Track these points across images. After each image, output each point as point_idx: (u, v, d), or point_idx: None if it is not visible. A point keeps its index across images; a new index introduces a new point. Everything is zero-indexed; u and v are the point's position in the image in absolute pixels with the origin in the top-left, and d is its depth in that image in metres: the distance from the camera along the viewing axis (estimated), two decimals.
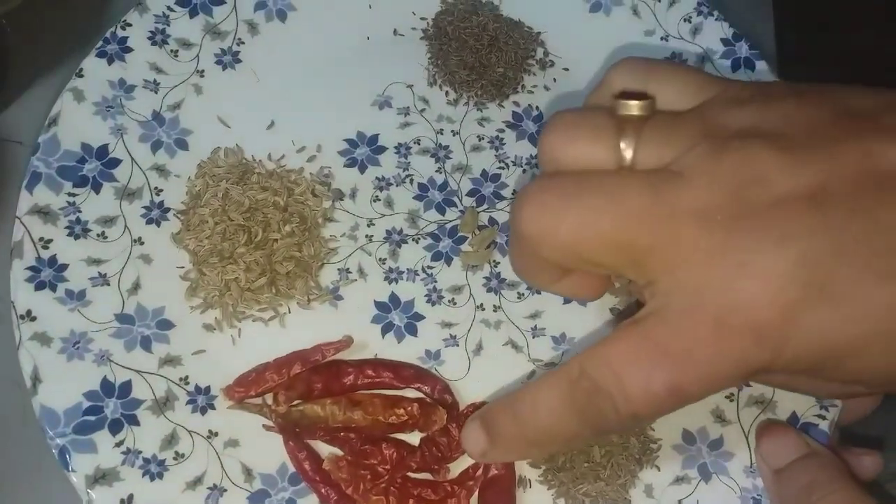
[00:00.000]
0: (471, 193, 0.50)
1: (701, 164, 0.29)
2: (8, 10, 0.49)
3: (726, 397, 0.45)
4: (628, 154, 0.31)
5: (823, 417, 0.43)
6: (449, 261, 0.48)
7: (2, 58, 0.50)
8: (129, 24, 0.49)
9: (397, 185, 0.50)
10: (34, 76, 0.48)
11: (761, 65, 0.52)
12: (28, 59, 0.51)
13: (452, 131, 0.51)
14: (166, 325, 0.45)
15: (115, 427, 0.42)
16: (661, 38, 0.53)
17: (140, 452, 0.41)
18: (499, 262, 0.48)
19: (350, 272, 0.47)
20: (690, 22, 0.53)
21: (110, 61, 0.48)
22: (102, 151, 0.47)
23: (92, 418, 0.42)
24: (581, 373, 0.31)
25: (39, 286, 0.43)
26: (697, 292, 0.29)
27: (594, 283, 0.38)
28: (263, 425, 0.43)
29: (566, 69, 0.53)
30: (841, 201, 0.28)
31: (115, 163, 0.47)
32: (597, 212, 0.30)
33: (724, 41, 0.53)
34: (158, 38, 0.50)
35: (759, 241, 0.28)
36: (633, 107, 0.32)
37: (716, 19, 0.53)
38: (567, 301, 0.48)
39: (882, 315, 0.27)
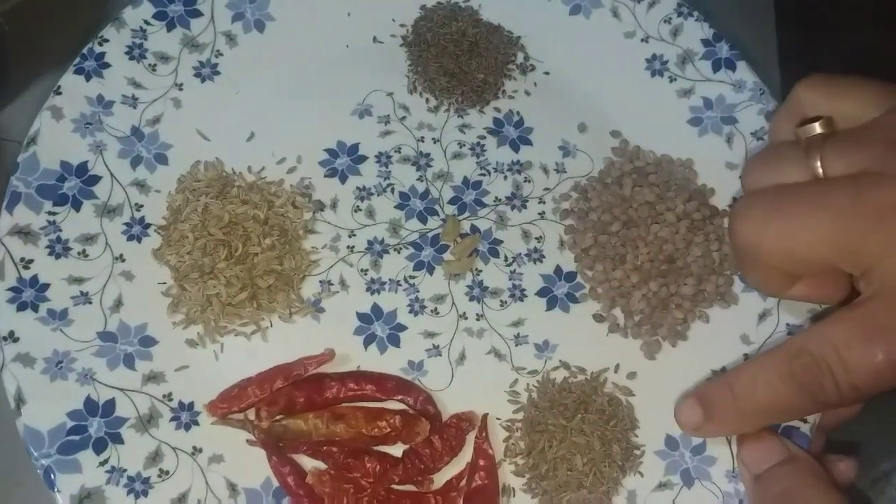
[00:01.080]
0: (452, 201, 0.50)
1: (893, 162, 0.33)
2: (8, 9, 0.49)
3: None
4: (817, 166, 0.35)
5: (805, 420, 0.43)
6: (431, 270, 0.48)
7: (2, 58, 0.50)
8: (107, 40, 0.49)
9: (378, 195, 0.50)
10: (34, 76, 0.48)
11: (742, 65, 0.52)
12: (28, 59, 0.51)
13: (433, 139, 0.51)
14: (149, 341, 0.45)
15: (100, 446, 0.42)
16: (642, 40, 0.53)
17: (125, 471, 0.42)
18: (481, 270, 0.48)
19: (332, 284, 0.48)
20: (670, 23, 0.53)
21: (88, 78, 0.48)
22: (82, 169, 0.47)
23: (76, 438, 0.42)
24: (800, 350, 0.34)
25: (21, 307, 0.44)
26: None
27: (829, 284, 0.39)
28: (247, 440, 0.43)
29: (547, 73, 0.53)
30: None
31: (95, 180, 0.47)
32: (802, 216, 0.34)
33: (705, 42, 0.52)
34: (136, 52, 0.50)
35: None
36: (815, 127, 0.36)
37: (696, 20, 0.53)
38: (550, 308, 0.48)
39: None
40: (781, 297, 0.41)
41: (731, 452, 0.44)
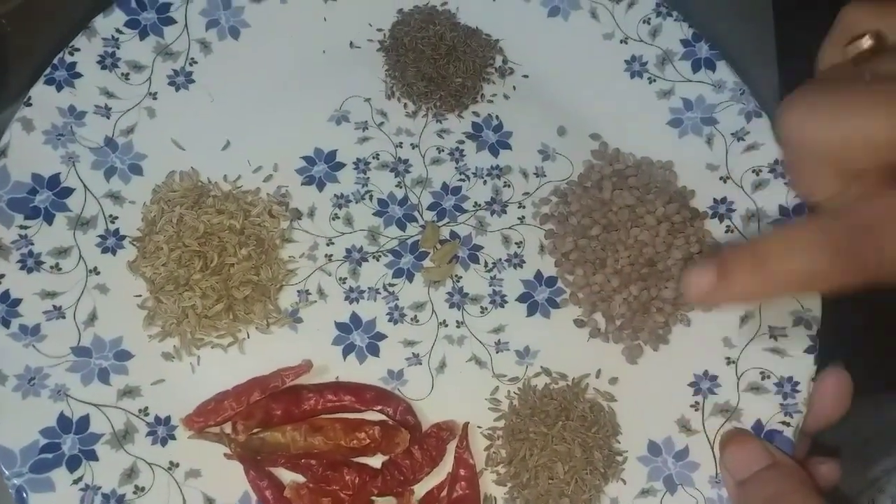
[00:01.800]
0: (431, 207, 0.49)
1: None
2: (8, 9, 0.48)
3: (691, 406, 0.45)
4: (867, 76, 0.33)
5: (788, 424, 0.43)
6: (411, 277, 0.48)
7: (2, 58, 0.49)
8: (78, 49, 0.48)
9: (356, 202, 0.49)
10: (34, 76, 0.48)
11: (721, 65, 0.51)
12: (28, 59, 0.50)
13: (412, 144, 0.51)
14: (124, 355, 0.45)
15: (74, 464, 0.41)
16: (621, 41, 0.53)
17: (99, 488, 0.41)
18: (461, 277, 0.48)
19: (310, 293, 0.47)
20: (649, 24, 0.52)
21: (59, 88, 0.48)
22: (54, 181, 0.47)
23: (49, 456, 0.41)
24: (848, 213, 0.31)
25: None
26: None
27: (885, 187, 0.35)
28: (224, 454, 0.43)
29: (526, 76, 0.53)
30: None
31: (68, 192, 0.47)
32: (860, 104, 0.31)
33: (684, 42, 0.52)
34: (108, 61, 0.49)
35: None
36: (864, 41, 0.34)
37: (675, 20, 0.52)
38: (530, 314, 0.47)
39: None
40: (833, 204, 0.35)
41: (715, 458, 0.43)
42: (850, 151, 0.32)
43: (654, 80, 0.52)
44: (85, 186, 0.47)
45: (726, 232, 0.48)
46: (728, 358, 0.45)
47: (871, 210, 0.31)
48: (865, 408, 0.44)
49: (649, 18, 0.52)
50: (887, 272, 0.31)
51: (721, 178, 0.49)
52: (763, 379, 0.44)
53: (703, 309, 0.46)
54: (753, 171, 0.49)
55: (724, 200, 0.49)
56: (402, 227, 0.49)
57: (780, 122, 0.34)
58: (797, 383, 0.44)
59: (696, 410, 0.45)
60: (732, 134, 0.50)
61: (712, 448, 0.43)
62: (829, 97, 0.33)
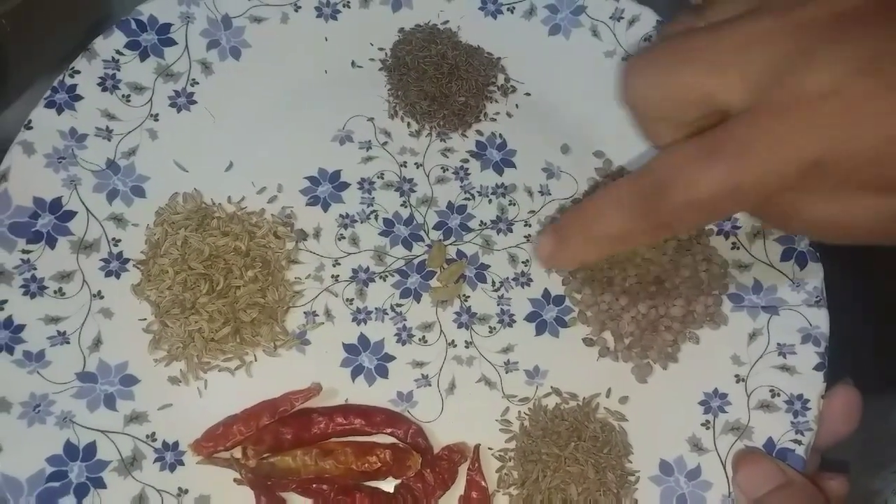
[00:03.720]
0: (437, 227, 0.49)
1: (770, 1, 0.32)
2: (8, 9, 0.48)
3: (702, 425, 0.45)
4: (701, 21, 0.35)
5: (799, 443, 0.43)
6: (418, 297, 0.48)
7: (2, 58, 0.49)
8: (78, 72, 0.48)
9: (362, 222, 0.49)
10: (34, 76, 0.47)
11: None
12: (28, 59, 0.50)
13: (416, 163, 0.51)
14: (130, 380, 0.44)
15: (81, 492, 0.41)
16: (623, 59, 0.53)
17: None
18: (468, 296, 0.48)
19: (317, 315, 0.47)
20: (650, 41, 0.52)
21: (60, 111, 0.47)
22: (56, 205, 0.46)
23: (56, 484, 0.40)
24: (644, 171, 0.33)
25: None
26: (757, 96, 0.30)
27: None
28: (234, 480, 0.42)
29: (528, 94, 0.53)
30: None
31: (70, 215, 0.46)
32: (670, 63, 0.33)
33: None
34: (109, 83, 0.49)
35: (820, 42, 0.30)
36: None
37: None
38: (539, 333, 0.47)
39: None
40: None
41: (727, 477, 0.43)
42: (671, 109, 0.34)
43: None
44: (87, 209, 0.47)
45: (732, 249, 0.48)
46: (737, 376, 0.45)
47: (659, 167, 0.32)
48: (876, 410, 0.44)
49: (650, 36, 0.53)
50: (683, 225, 0.33)
51: None
52: (773, 396, 0.45)
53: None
54: None
55: (729, 218, 0.49)
56: (409, 247, 0.49)
57: (619, 84, 0.35)
58: (807, 401, 0.44)
59: (707, 429, 0.45)
60: None
61: (724, 467, 0.43)
62: (655, 57, 0.34)
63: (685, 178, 0.31)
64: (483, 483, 0.43)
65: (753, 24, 0.32)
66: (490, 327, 0.47)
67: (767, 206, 0.33)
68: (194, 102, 0.50)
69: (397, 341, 0.46)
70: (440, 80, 0.51)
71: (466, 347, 0.47)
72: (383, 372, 0.46)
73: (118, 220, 0.47)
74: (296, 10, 0.52)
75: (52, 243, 0.45)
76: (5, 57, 0.49)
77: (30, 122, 0.46)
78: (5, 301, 0.43)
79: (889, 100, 0.29)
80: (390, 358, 0.46)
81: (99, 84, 0.48)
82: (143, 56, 0.50)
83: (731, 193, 0.31)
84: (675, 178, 0.32)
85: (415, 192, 0.50)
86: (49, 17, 0.51)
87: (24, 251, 0.45)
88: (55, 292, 0.44)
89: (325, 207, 0.49)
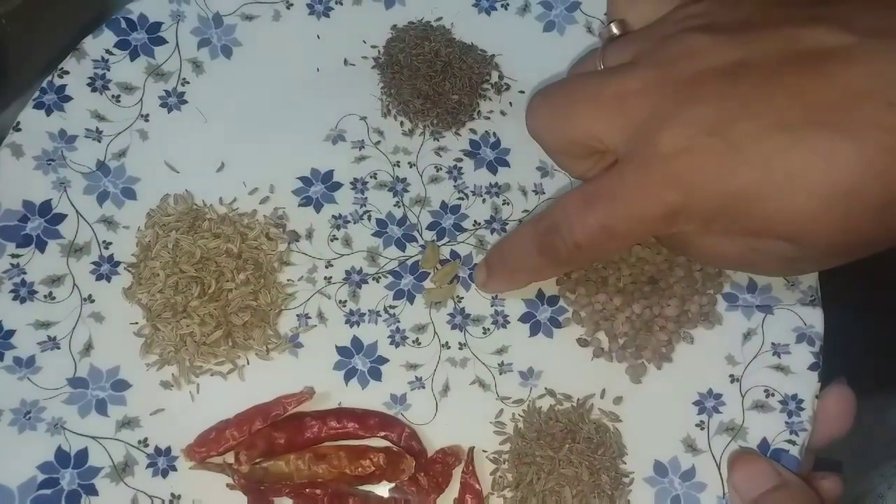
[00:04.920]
0: (431, 227, 0.49)
1: (650, 53, 0.36)
2: (8, 9, 0.47)
3: (696, 425, 0.45)
4: (599, 63, 0.40)
5: (793, 443, 0.43)
6: (412, 298, 0.47)
7: (2, 58, 0.48)
8: (67, 72, 0.47)
9: (355, 223, 0.49)
10: (34, 76, 0.47)
11: None
12: (28, 60, 0.49)
13: (409, 163, 0.50)
14: (122, 385, 0.44)
15: (73, 499, 0.41)
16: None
17: None
18: (462, 297, 0.48)
19: (309, 317, 0.46)
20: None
21: (48, 112, 0.47)
22: (45, 207, 0.46)
23: (48, 492, 0.40)
24: (543, 215, 0.38)
25: None
26: (629, 147, 0.35)
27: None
28: (227, 485, 0.42)
29: (522, 92, 0.52)
30: (756, 72, 0.33)
31: (60, 218, 0.46)
32: (563, 107, 0.39)
33: None
34: (98, 83, 0.48)
35: (678, 102, 0.34)
36: (610, 28, 0.42)
37: None
38: (533, 334, 0.47)
39: (778, 159, 0.31)
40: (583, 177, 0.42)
41: (722, 477, 0.43)
42: (565, 145, 0.39)
43: None
44: (77, 212, 0.46)
45: None
46: (732, 376, 0.45)
47: (552, 213, 0.38)
48: (869, 410, 0.44)
49: None
50: (576, 262, 0.40)
51: None
52: (767, 397, 0.44)
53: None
54: None
55: None
56: (402, 248, 0.48)
57: (526, 121, 0.42)
58: (801, 401, 0.44)
59: (701, 430, 0.45)
60: None
61: (719, 468, 0.43)
62: (551, 97, 0.40)
63: (568, 223, 0.37)
64: (477, 486, 0.43)
65: (633, 75, 0.36)
66: (484, 328, 0.47)
67: (663, 241, 0.39)
68: (185, 102, 0.50)
69: (391, 343, 0.46)
70: (433, 78, 0.51)
71: (460, 349, 0.46)
72: (377, 374, 0.45)
73: (109, 222, 0.47)
74: (288, 8, 0.52)
75: (41, 247, 0.45)
76: (5, 57, 0.49)
77: (18, 123, 0.46)
78: None
79: (730, 158, 0.32)
80: (384, 360, 0.46)
81: (88, 84, 0.48)
82: (133, 55, 0.49)
83: (607, 236, 0.36)
84: (561, 223, 0.37)
85: (408, 191, 0.50)
86: (49, 17, 0.50)
87: (13, 255, 0.44)
88: (45, 297, 0.44)
89: (318, 208, 0.49)
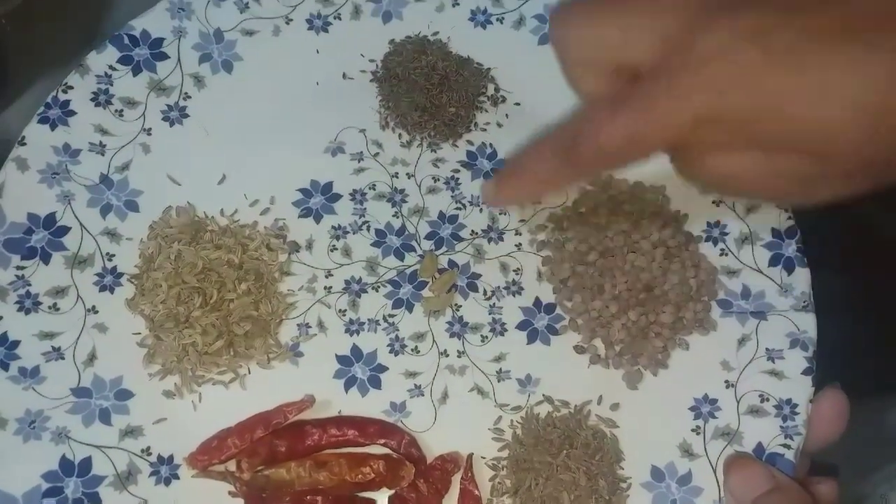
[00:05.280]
0: (429, 237, 0.50)
1: None
2: (8, 10, 0.48)
3: (692, 430, 0.45)
4: None
5: (788, 447, 0.43)
6: (410, 307, 0.48)
7: (2, 58, 0.49)
8: (71, 87, 0.48)
9: (354, 233, 0.49)
10: (34, 76, 0.47)
11: None
12: (28, 59, 0.50)
13: (407, 174, 0.51)
14: (125, 394, 0.44)
15: None
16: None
17: None
18: (460, 306, 0.48)
19: (310, 326, 0.47)
20: None
21: (53, 126, 0.48)
22: (50, 220, 0.46)
23: (52, 500, 0.41)
24: (564, 123, 0.37)
25: None
26: (663, 56, 0.34)
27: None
28: (229, 492, 0.42)
29: (518, 104, 0.53)
30: None
31: (64, 231, 0.46)
32: (596, 12, 0.37)
33: None
34: (102, 98, 0.49)
35: (717, 10, 0.33)
36: None
37: None
38: (531, 341, 0.48)
39: (814, 68, 0.31)
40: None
41: (718, 482, 0.44)
42: (590, 53, 0.37)
43: None
44: (81, 225, 0.47)
45: (720, 255, 0.49)
46: (727, 381, 0.46)
47: (575, 119, 0.37)
48: (866, 413, 0.45)
49: None
50: (596, 168, 0.38)
51: (714, 202, 0.50)
52: (762, 401, 0.45)
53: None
54: None
55: (717, 224, 0.50)
56: (401, 257, 0.49)
57: (549, 33, 0.39)
58: (796, 405, 0.44)
59: (697, 435, 0.45)
60: None
61: (715, 472, 0.44)
62: (584, 5, 0.38)
63: (594, 128, 0.36)
64: (476, 492, 0.43)
65: None
66: (482, 336, 0.48)
67: (678, 160, 0.37)
68: (187, 116, 0.50)
69: (390, 352, 0.47)
70: (431, 91, 0.52)
71: (459, 357, 0.47)
72: (376, 383, 0.46)
73: (112, 234, 0.47)
74: (287, 23, 0.53)
75: (46, 259, 0.46)
76: (5, 57, 0.49)
77: (23, 138, 0.47)
78: (0, 317, 0.44)
79: (766, 64, 0.32)
80: (383, 368, 0.46)
81: (92, 99, 0.49)
82: (136, 71, 0.50)
83: (632, 140, 0.35)
84: (586, 128, 0.36)
85: (406, 202, 0.50)
86: (49, 17, 0.51)
87: (18, 267, 0.45)
88: (50, 308, 0.45)
89: (318, 219, 0.49)
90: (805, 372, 0.45)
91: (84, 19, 0.49)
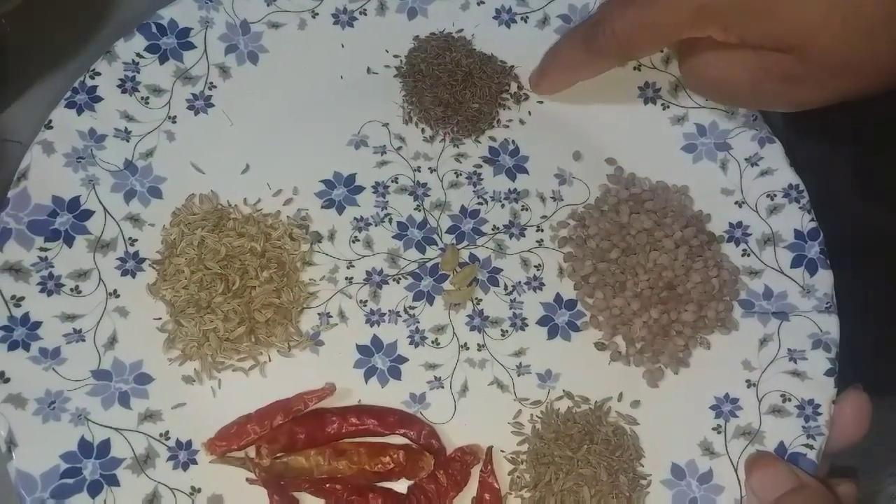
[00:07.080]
0: (450, 230, 0.50)
1: None
2: (8, 10, 0.48)
3: (713, 429, 0.45)
4: None
5: (811, 447, 0.43)
6: (431, 300, 0.48)
7: (2, 58, 0.49)
8: (98, 73, 0.49)
9: (376, 225, 0.49)
10: (34, 76, 0.48)
11: None
12: (28, 59, 0.50)
13: (430, 168, 0.51)
14: (145, 378, 0.44)
15: (95, 489, 0.41)
16: (634, 68, 0.53)
17: None
18: (481, 300, 0.48)
19: (331, 316, 0.47)
20: (662, 51, 0.53)
21: (80, 111, 0.48)
22: (74, 203, 0.46)
23: (70, 481, 0.41)
24: (589, 17, 0.46)
25: (12, 346, 0.43)
26: None
27: None
28: (247, 479, 0.42)
29: (540, 102, 0.53)
30: None
31: (88, 214, 0.46)
32: None
33: None
34: (128, 85, 0.49)
35: None
36: None
37: None
38: (551, 337, 0.47)
39: None
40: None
41: (739, 481, 0.43)
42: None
43: (668, 107, 0.53)
44: (105, 209, 0.47)
45: (743, 255, 0.49)
46: (748, 381, 0.46)
47: (598, 12, 0.45)
48: (885, 415, 0.45)
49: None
50: (614, 54, 0.46)
51: (736, 203, 0.50)
52: (784, 401, 0.45)
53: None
54: (768, 196, 0.50)
55: (739, 224, 0.50)
56: (422, 250, 0.49)
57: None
58: (818, 406, 0.44)
59: (718, 433, 0.45)
60: (746, 159, 0.51)
61: (736, 471, 0.44)
62: None
63: (610, 17, 0.43)
64: (496, 485, 0.43)
65: None
66: (502, 330, 0.47)
67: (683, 64, 0.45)
68: (212, 105, 0.51)
69: (410, 343, 0.47)
70: (454, 87, 0.52)
71: (479, 350, 0.47)
72: (396, 373, 0.46)
73: (135, 219, 0.47)
74: (313, 17, 0.53)
75: (69, 242, 0.46)
76: (5, 57, 0.50)
77: (50, 121, 0.47)
78: (22, 298, 0.44)
79: None
80: (403, 360, 0.46)
81: (119, 86, 0.49)
82: (163, 59, 0.50)
83: (642, 27, 0.42)
84: (604, 17, 0.44)
85: (428, 196, 0.50)
86: (49, 17, 0.51)
87: (42, 249, 0.45)
88: (72, 290, 0.45)
89: (340, 210, 0.49)
90: (827, 373, 0.45)
91: (85, 19, 0.50)
